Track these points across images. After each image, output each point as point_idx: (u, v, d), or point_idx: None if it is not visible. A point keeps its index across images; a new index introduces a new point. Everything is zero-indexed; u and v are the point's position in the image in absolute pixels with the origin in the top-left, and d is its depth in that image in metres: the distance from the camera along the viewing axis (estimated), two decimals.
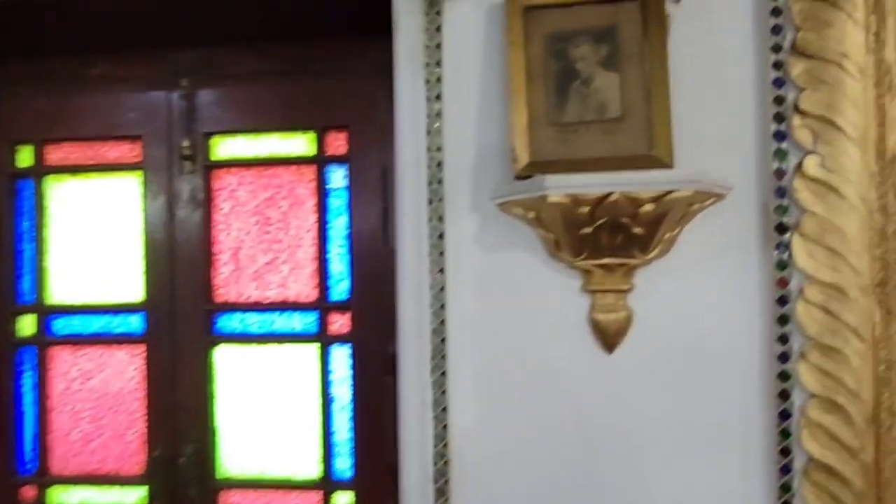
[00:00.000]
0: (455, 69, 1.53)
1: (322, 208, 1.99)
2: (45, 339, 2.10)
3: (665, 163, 1.38)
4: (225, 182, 2.05)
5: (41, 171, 2.12)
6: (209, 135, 2.03)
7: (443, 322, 1.51)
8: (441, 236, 1.52)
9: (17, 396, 2.09)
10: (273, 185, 2.03)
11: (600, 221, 1.38)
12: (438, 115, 1.52)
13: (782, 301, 1.41)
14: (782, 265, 1.42)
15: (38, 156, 2.11)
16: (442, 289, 1.52)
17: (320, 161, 2.00)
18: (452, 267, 1.52)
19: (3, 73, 2.08)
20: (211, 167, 2.03)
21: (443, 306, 1.52)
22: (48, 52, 2.03)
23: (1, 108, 2.09)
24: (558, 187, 1.36)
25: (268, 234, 2.04)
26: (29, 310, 2.11)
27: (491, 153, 1.52)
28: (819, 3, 1.40)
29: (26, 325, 2.11)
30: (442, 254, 1.52)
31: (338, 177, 2.00)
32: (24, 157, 2.12)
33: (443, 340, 1.52)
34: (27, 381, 2.11)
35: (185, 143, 2.01)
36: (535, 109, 1.45)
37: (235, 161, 2.04)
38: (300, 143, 2.02)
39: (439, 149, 1.52)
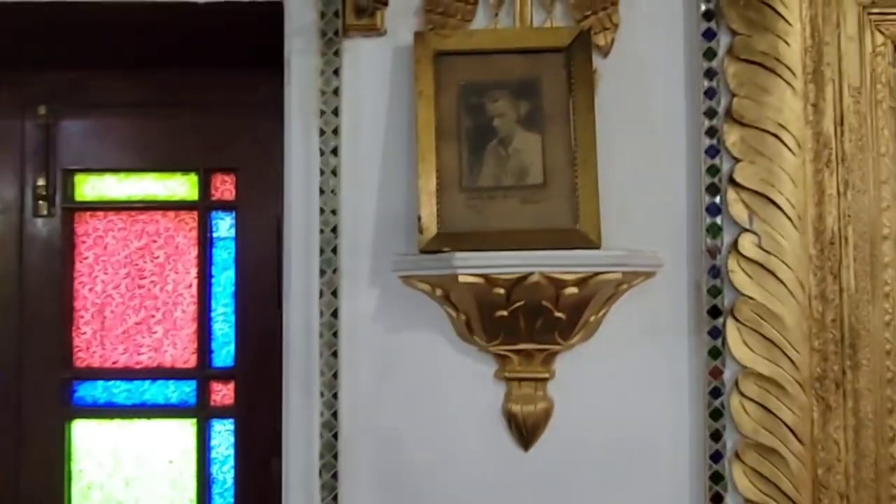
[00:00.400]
0: (355, 120, 1.33)
1: (205, 261, 1.74)
2: None
3: (591, 240, 1.22)
4: (90, 227, 1.76)
5: None
6: (71, 172, 1.74)
7: (335, 413, 1.29)
8: (335, 314, 1.30)
9: None
10: (148, 233, 1.76)
11: (518, 304, 1.20)
12: (334, 172, 1.31)
13: (715, 393, 1.28)
14: (715, 353, 1.28)
15: None
16: (335, 374, 1.30)
17: (204, 207, 1.74)
18: (347, 349, 1.31)
19: None
20: (73, 209, 1.74)
21: (335, 395, 1.30)
22: None
23: None
24: (470, 266, 1.17)
25: (140, 289, 1.76)
26: None
27: (395, 218, 1.33)
28: (755, 67, 1.28)
29: None
30: (336, 334, 1.30)
31: (224, 225, 1.75)
32: None
33: (335, 435, 1.30)
34: None
35: (41, 182, 1.71)
36: (445, 171, 1.27)
37: (103, 203, 1.76)
38: (181, 186, 1.76)
39: (335, 212, 1.31)
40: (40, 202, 1.72)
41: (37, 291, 1.73)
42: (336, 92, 1.32)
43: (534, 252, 1.18)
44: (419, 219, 1.24)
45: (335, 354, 1.30)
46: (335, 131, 1.32)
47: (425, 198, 1.25)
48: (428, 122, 1.27)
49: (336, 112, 1.32)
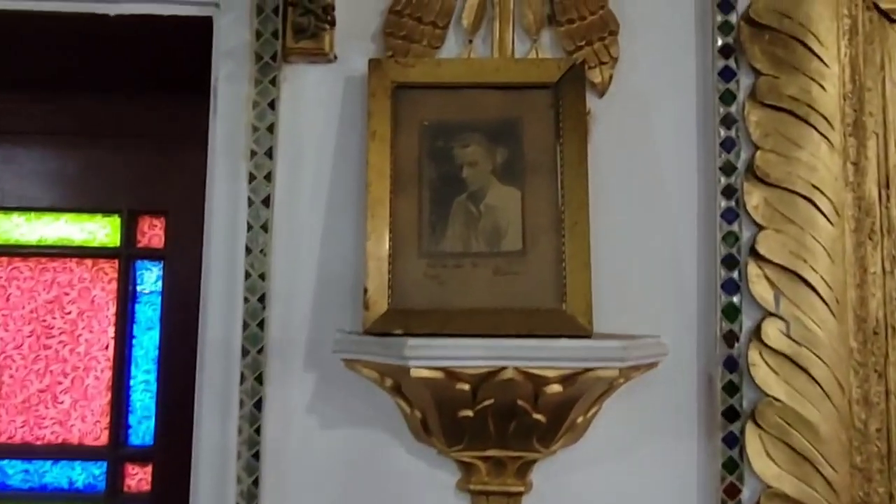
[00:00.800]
0: (293, 163, 1.09)
1: (125, 318, 1.48)
2: None
3: (581, 325, 0.97)
4: None
5: None
6: None
7: None
8: (258, 404, 1.04)
9: None
10: (60, 283, 1.51)
11: (486, 403, 0.94)
12: (265, 227, 1.06)
13: None
14: (732, 466, 1.03)
15: None
16: (255, 481, 1.03)
17: (127, 254, 1.50)
18: (272, 452, 1.04)
19: None
20: None
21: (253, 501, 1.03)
22: None
23: None
24: (426, 357, 0.91)
25: (47, 350, 1.50)
26: None
27: (340, 286, 1.08)
28: (784, 114, 1.06)
29: None
30: (259, 430, 1.03)
31: (150, 277, 1.50)
32: None
33: None
34: None
35: None
36: (401, 231, 1.02)
37: (8, 247, 1.51)
38: (101, 229, 1.51)
39: (263, 276, 1.05)
40: None
41: None
42: (271, 129, 1.08)
43: (508, 341, 0.93)
44: (365, 291, 0.99)
45: (256, 455, 1.03)
46: (268, 177, 1.07)
47: (374, 264, 1.00)
48: (382, 170, 1.03)
49: (270, 153, 1.07)
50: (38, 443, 1.48)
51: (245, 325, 1.05)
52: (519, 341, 0.93)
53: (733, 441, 1.03)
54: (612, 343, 0.94)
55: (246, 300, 1.06)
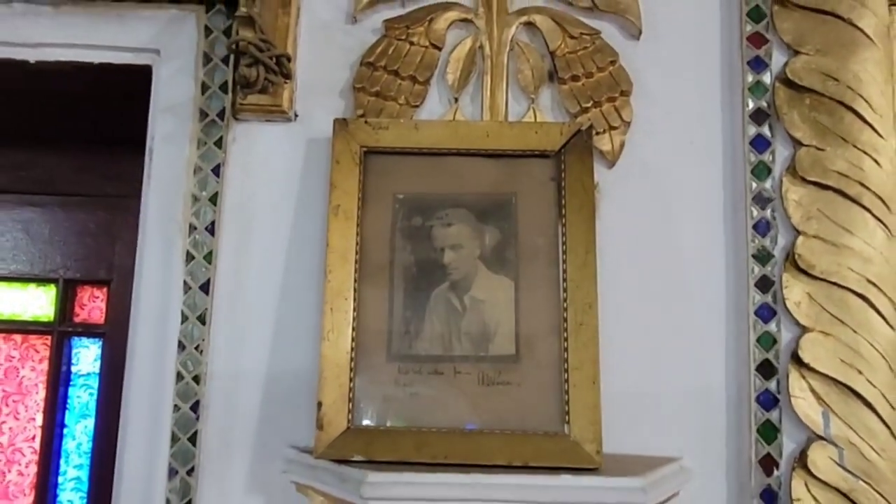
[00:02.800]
0: (240, 242, 0.90)
1: (56, 404, 1.28)
2: None
3: (588, 455, 0.78)
4: None
5: None
6: None
7: None
8: None
9: None
10: None
11: None
12: (202, 319, 0.87)
13: None
14: None
15: None
16: None
17: (61, 331, 1.31)
18: None
19: None
20: None
21: None
22: None
23: None
24: (390, 499, 0.72)
25: None
26: None
27: (291, 390, 0.88)
28: (830, 193, 0.89)
29: None
30: None
31: (87, 356, 1.30)
32: None
33: None
34: None
35: None
36: (367, 330, 0.84)
37: None
38: (32, 301, 1.32)
39: (197, 379, 0.86)
40: None
41: None
42: (214, 199, 0.90)
43: (496, 476, 0.73)
44: (319, 406, 0.80)
45: None
46: (208, 257, 0.88)
47: (332, 371, 0.81)
48: (345, 253, 0.85)
49: (212, 229, 0.89)
50: None
51: (174, 439, 0.85)
52: (509, 477, 0.74)
53: None
54: (628, 482, 0.74)
55: (176, 408, 0.86)
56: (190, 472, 0.86)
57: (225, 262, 0.89)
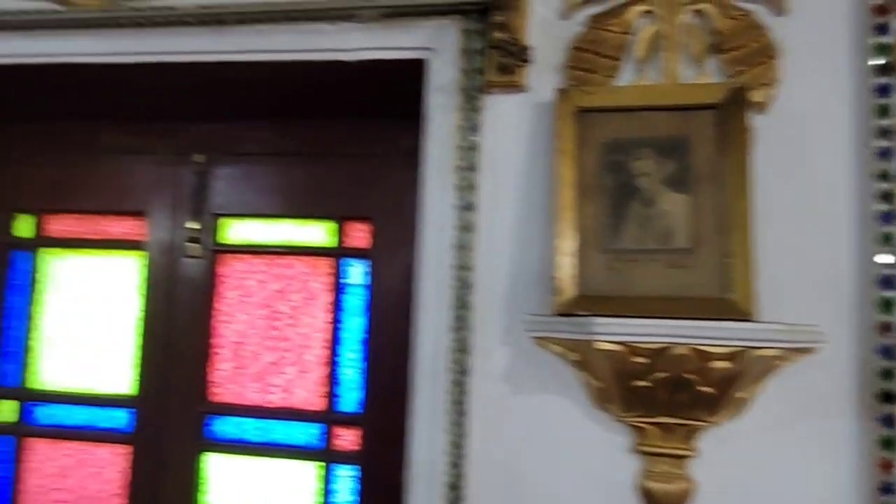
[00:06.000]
0: (493, 176, 1.31)
1: (336, 306, 1.78)
2: (24, 429, 1.90)
3: (744, 311, 1.12)
4: (232, 269, 1.85)
5: (39, 242, 1.95)
6: (218, 216, 1.84)
7: (460, 476, 1.26)
8: (464, 371, 1.27)
9: None
10: (285, 277, 1.83)
11: (660, 375, 1.12)
12: (468, 227, 1.30)
13: (886, 490, 1.13)
14: (888, 443, 1.14)
15: (38, 226, 1.95)
16: (461, 433, 1.26)
17: (338, 254, 1.79)
18: (478, 409, 1.27)
19: (7, 136, 1.93)
20: (218, 251, 1.84)
21: (461, 456, 1.26)
22: (55, 117, 1.88)
23: (3, 173, 1.94)
24: (610, 333, 1.11)
25: (275, 331, 1.82)
26: (10, 394, 1.91)
27: (531, 277, 1.29)
28: None
29: (6, 410, 1.91)
30: (464, 391, 1.27)
31: (356, 273, 1.78)
32: (23, 226, 1.95)
33: (458, 495, 1.26)
34: (0, 474, 1.90)
35: (193, 224, 1.82)
36: (585, 231, 1.22)
37: (245, 247, 1.84)
38: (318, 232, 1.82)
39: (467, 267, 1.29)
40: (191, 244, 1.82)
41: (182, 328, 1.83)
42: (473, 148, 1.31)
43: (681, 322, 1.10)
44: (556, 279, 1.20)
45: (462, 413, 1.27)
46: (471, 186, 1.31)
47: (563, 258, 1.21)
48: (568, 179, 1.24)
49: (473, 168, 1.31)
50: (268, 406, 1.81)
51: (455, 305, 1.29)
52: (691, 322, 1.10)
53: (888, 423, 1.14)
54: (773, 325, 1.09)
55: (453, 287, 1.30)
56: (465, 328, 1.29)
57: (483, 189, 1.31)
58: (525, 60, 1.24)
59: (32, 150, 1.94)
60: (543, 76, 1.31)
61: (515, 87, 1.31)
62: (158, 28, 1.44)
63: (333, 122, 1.76)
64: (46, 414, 1.90)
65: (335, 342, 1.77)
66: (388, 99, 1.54)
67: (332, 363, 1.76)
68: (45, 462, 1.89)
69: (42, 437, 1.89)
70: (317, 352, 1.78)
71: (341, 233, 1.79)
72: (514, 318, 1.29)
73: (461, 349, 1.28)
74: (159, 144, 1.87)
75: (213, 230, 1.83)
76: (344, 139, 1.77)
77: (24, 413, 1.91)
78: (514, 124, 1.32)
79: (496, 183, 1.31)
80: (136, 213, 1.88)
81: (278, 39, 1.40)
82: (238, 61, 1.44)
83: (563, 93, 1.27)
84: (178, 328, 1.83)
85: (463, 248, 1.30)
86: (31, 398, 1.90)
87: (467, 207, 1.30)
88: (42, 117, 1.91)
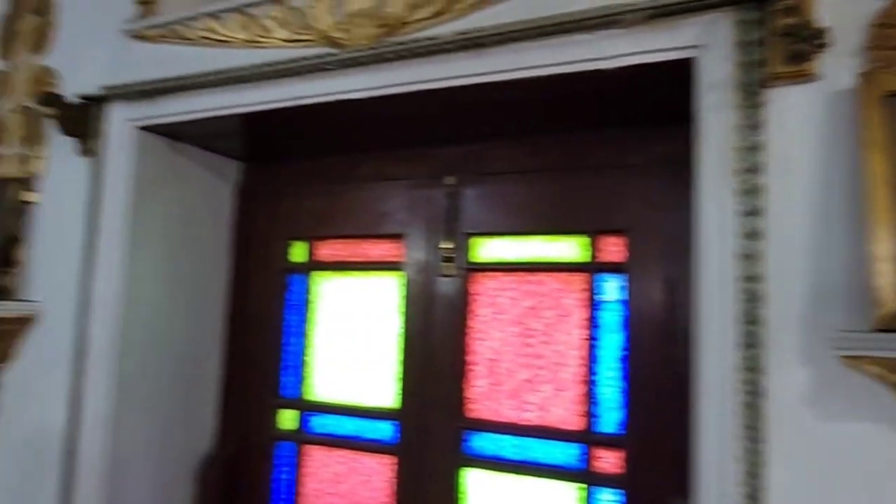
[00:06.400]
0: (781, 177, 1.19)
1: (592, 323, 1.73)
2: (303, 436, 2.08)
3: None
4: (484, 287, 1.88)
5: (311, 266, 2.14)
6: (470, 235, 1.88)
7: None
8: (754, 392, 1.16)
9: (273, 491, 2.09)
10: (537, 293, 1.82)
11: None
12: (754, 235, 1.18)
13: None
14: None
15: (310, 251, 2.15)
16: (758, 461, 1.15)
17: (592, 268, 1.75)
18: (776, 435, 1.15)
19: (285, 173, 2.16)
20: (470, 270, 1.88)
21: (759, 489, 1.14)
22: (320, 151, 2.07)
23: (280, 205, 2.16)
24: None
25: (529, 348, 1.82)
26: (291, 404, 2.11)
27: (831, 287, 1.15)
28: None
29: (287, 419, 2.11)
30: (758, 415, 1.15)
31: (611, 288, 1.73)
32: (298, 252, 2.16)
33: None
34: (284, 476, 2.09)
35: (447, 244, 1.88)
36: None
37: (497, 264, 1.87)
38: (569, 248, 1.79)
39: (753, 278, 1.18)
40: (445, 263, 1.88)
41: (439, 345, 1.89)
42: (754, 149, 1.20)
43: None
44: (873, 290, 1.05)
45: (755, 439, 1.15)
46: (753, 190, 1.19)
47: (880, 266, 1.05)
48: (878, 175, 1.08)
49: (754, 170, 1.20)
50: (524, 423, 1.80)
51: (742, 320, 1.18)
52: None
53: None
54: None
55: (736, 301, 1.18)
56: (756, 345, 1.17)
57: (773, 193, 1.18)
58: (822, 45, 1.11)
59: (302, 184, 2.14)
60: (837, 61, 1.16)
61: (805, 77, 1.18)
62: (420, 58, 1.51)
63: (582, 135, 1.74)
64: (320, 423, 2.07)
65: (591, 360, 1.72)
66: (645, 105, 1.48)
67: (590, 381, 1.71)
68: (320, 468, 2.06)
69: (318, 444, 2.06)
70: (572, 369, 1.75)
71: (594, 247, 1.74)
72: (813, 333, 1.15)
73: (751, 367, 1.17)
74: (413, 170, 1.97)
75: (466, 249, 1.88)
76: (594, 151, 1.73)
77: (303, 422, 2.09)
78: (803, 118, 1.18)
79: (786, 184, 1.18)
80: (394, 236, 1.99)
81: (535, 55, 1.40)
82: (495, 81, 1.46)
83: (867, 76, 1.12)
84: (435, 345, 1.90)
85: (749, 258, 1.19)
86: (308, 408, 2.09)
87: (752, 213, 1.19)
88: (309, 153, 2.11)
